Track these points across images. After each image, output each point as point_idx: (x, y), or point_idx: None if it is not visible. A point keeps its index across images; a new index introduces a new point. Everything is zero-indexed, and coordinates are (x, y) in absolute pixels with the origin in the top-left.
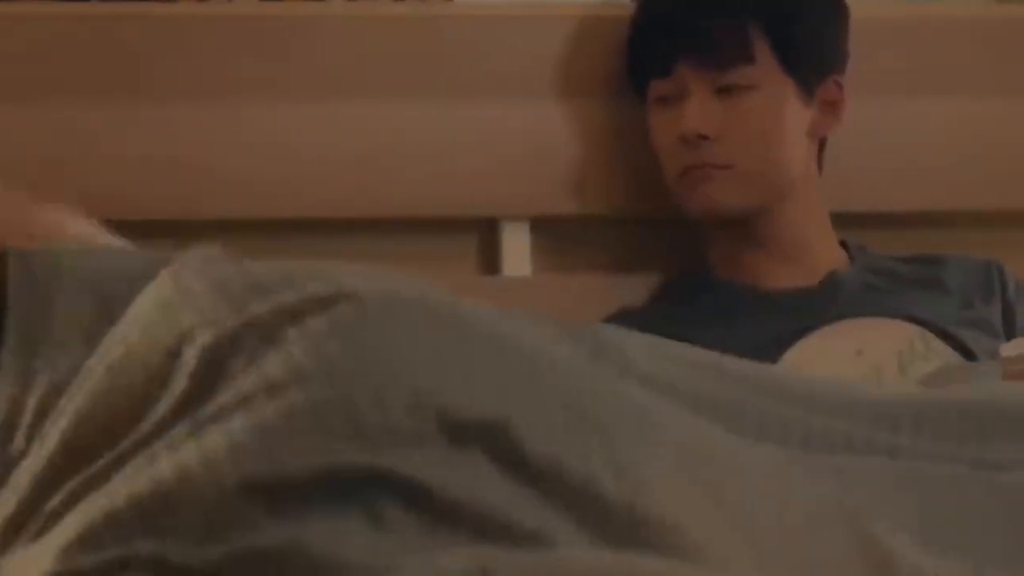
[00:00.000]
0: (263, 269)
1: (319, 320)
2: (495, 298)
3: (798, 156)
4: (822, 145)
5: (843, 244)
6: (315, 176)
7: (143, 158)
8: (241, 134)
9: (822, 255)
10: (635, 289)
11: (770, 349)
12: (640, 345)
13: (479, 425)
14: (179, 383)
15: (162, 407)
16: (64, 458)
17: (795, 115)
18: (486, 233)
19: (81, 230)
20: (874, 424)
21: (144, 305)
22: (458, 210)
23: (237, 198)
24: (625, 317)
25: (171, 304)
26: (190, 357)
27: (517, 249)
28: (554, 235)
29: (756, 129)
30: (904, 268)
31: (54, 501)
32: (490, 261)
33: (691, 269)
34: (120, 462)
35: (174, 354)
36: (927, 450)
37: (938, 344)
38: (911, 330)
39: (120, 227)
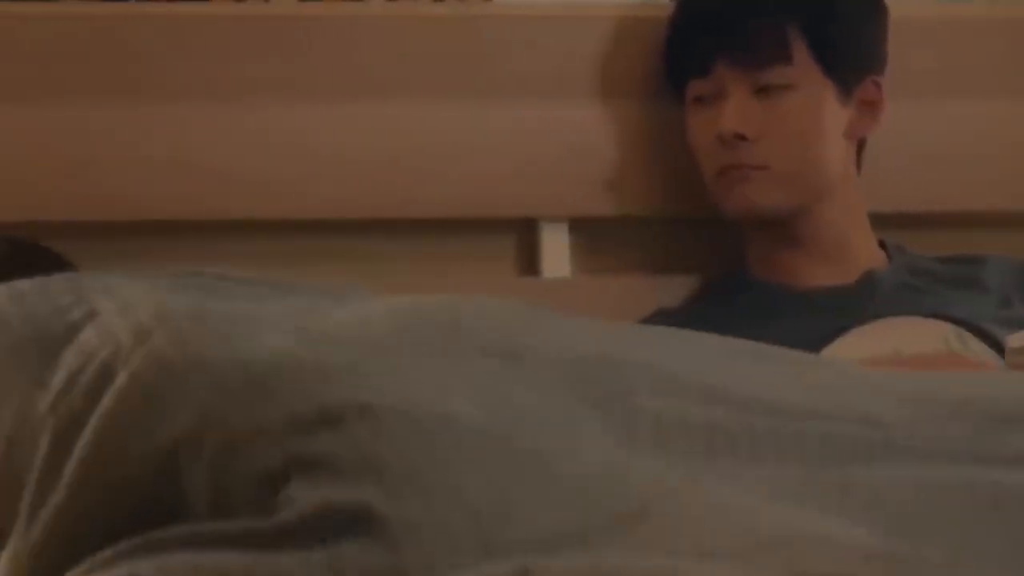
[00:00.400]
0: (243, 343)
1: (340, 444)
2: (534, 299)
3: (836, 157)
4: (861, 145)
5: (881, 244)
6: (354, 177)
7: (173, 160)
8: (281, 136)
9: (860, 255)
10: (673, 289)
11: (807, 348)
12: (648, 375)
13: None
14: (195, 489)
15: (179, 510)
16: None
17: (833, 115)
18: (525, 234)
19: None
20: (878, 426)
21: (117, 377)
22: (497, 211)
23: (278, 200)
24: (662, 318)
25: (152, 389)
26: (201, 465)
27: (556, 250)
28: (593, 236)
29: (794, 130)
30: (942, 268)
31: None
32: (529, 262)
33: (729, 269)
34: (133, 553)
35: (174, 453)
36: (936, 451)
37: (975, 343)
38: (947, 329)
39: (158, 227)
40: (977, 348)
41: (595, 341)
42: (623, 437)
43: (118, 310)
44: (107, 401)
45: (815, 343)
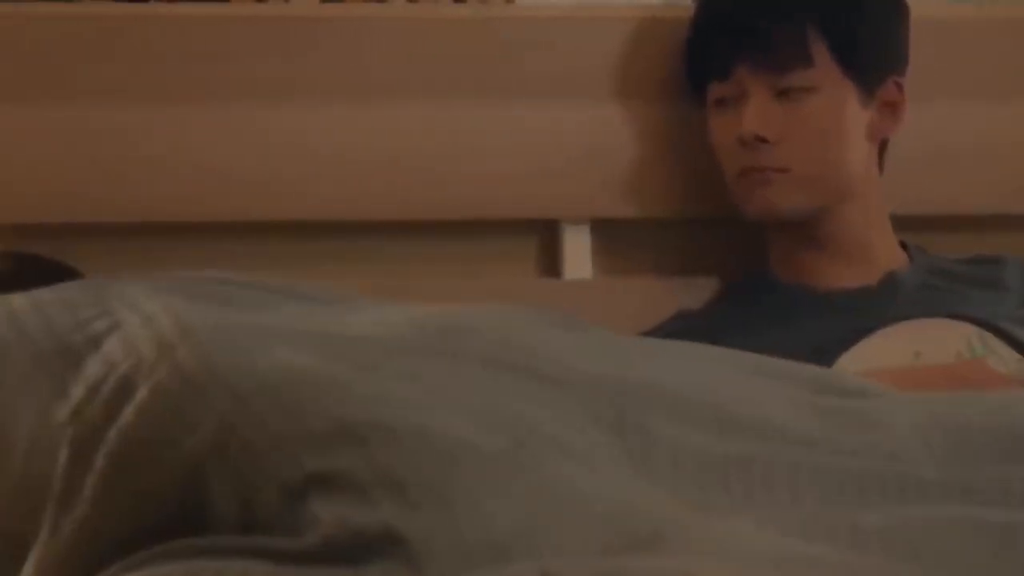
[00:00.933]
0: (261, 357)
1: (361, 464)
2: (555, 301)
3: (857, 158)
4: (883, 146)
5: (903, 245)
6: (374, 179)
7: (192, 163)
8: (297, 137)
9: (882, 256)
10: (695, 291)
11: (829, 350)
12: (662, 399)
13: None
14: (221, 500)
15: (203, 521)
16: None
17: (855, 117)
18: (546, 235)
19: None
20: (891, 460)
21: (138, 390)
22: (518, 212)
23: (295, 201)
24: (684, 320)
25: (175, 402)
26: (226, 476)
27: (577, 251)
28: (614, 237)
29: (815, 132)
30: (963, 268)
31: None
32: (550, 263)
33: (751, 270)
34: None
35: (201, 465)
36: (948, 484)
37: (997, 343)
38: (969, 330)
39: (165, 229)
40: (1000, 349)
41: (610, 358)
42: (640, 467)
43: (141, 323)
44: (129, 413)
45: (837, 345)
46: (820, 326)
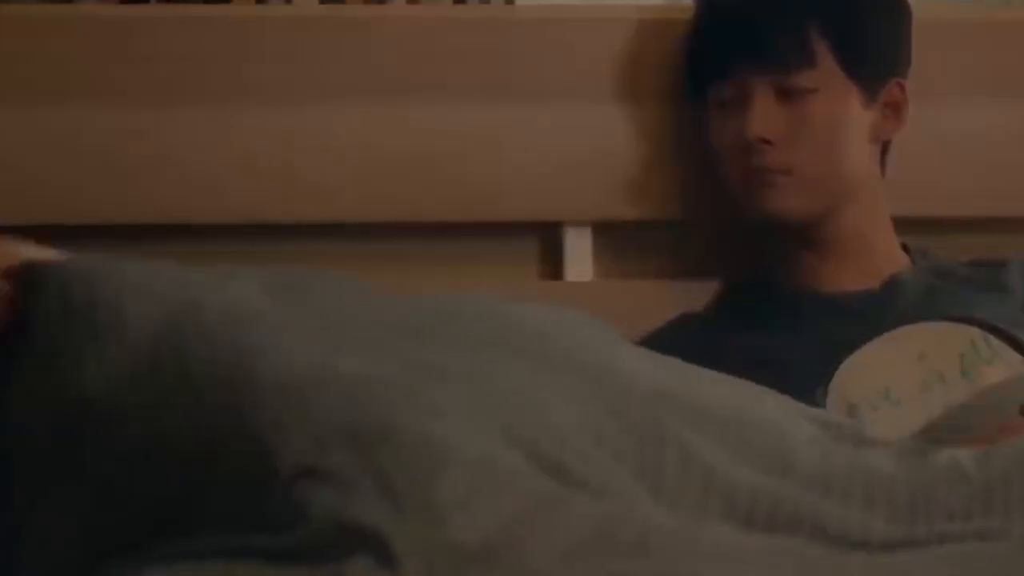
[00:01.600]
0: (273, 355)
1: (360, 465)
2: (557, 303)
3: (860, 160)
4: (885, 148)
5: (904, 247)
6: (377, 180)
7: (191, 164)
8: (303, 138)
9: (884, 258)
10: (697, 294)
11: (832, 354)
12: (680, 406)
13: None
14: (222, 492)
15: (205, 510)
16: None
17: (857, 118)
18: (548, 237)
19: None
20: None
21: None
22: (520, 214)
23: (298, 202)
24: (686, 322)
25: (234, 387)
26: (228, 474)
27: (579, 253)
28: (616, 239)
29: (818, 133)
30: (965, 271)
31: None
32: (552, 265)
33: (753, 273)
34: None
35: (209, 460)
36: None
37: (1000, 346)
38: (973, 332)
39: (173, 230)
40: (1003, 352)
41: (632, 359)
42: (651, 482)
43: None
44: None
45: (840, 348)
46: (823, 329)
